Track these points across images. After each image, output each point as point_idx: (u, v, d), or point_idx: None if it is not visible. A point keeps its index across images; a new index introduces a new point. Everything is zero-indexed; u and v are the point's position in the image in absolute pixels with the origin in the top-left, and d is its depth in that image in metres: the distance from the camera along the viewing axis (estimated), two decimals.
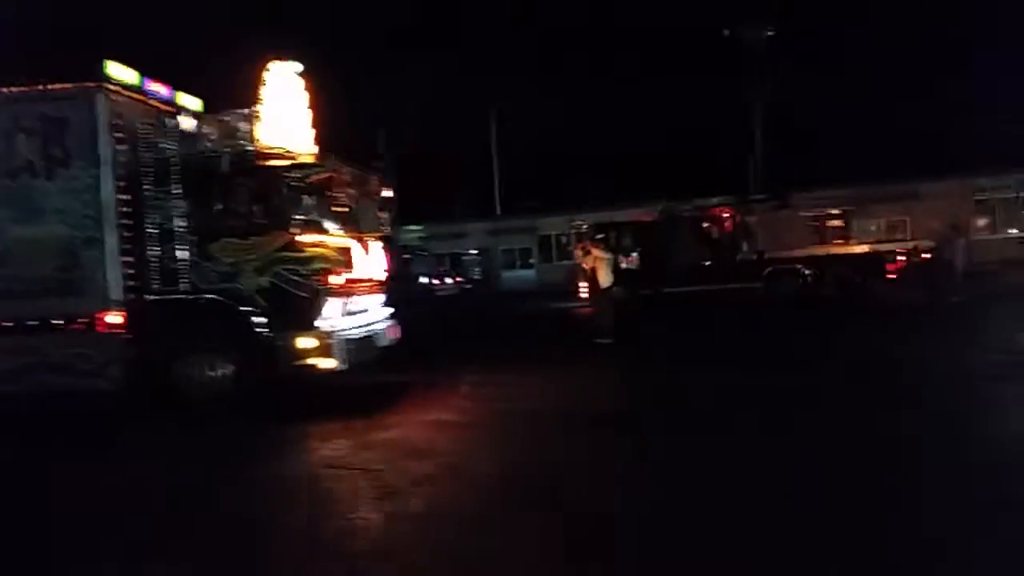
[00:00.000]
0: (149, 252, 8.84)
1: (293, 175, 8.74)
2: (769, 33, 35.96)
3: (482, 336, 17.10)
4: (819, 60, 35.83)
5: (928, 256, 21.56)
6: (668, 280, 22.08)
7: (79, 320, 8.80)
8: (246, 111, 9.04)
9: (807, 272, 21.63)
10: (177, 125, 8.83)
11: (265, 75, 9.23)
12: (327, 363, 8.66)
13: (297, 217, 8.74)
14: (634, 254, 23.47)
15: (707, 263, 22.94)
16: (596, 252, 14.69)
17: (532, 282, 38.37)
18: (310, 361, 8.68)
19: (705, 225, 24.51)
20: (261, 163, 8.81)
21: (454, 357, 12.81)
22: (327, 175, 8.98)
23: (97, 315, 8.78)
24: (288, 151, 8.96)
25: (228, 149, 8.89)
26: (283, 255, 8.68)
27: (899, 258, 22.29)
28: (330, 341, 8.67)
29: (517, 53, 36.69)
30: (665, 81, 37.84)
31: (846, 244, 30.44)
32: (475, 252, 39.53)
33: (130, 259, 8.78)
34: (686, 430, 7.46)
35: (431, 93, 36.98)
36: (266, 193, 8.82)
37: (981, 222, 28.43)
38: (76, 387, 8.85)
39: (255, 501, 5.98)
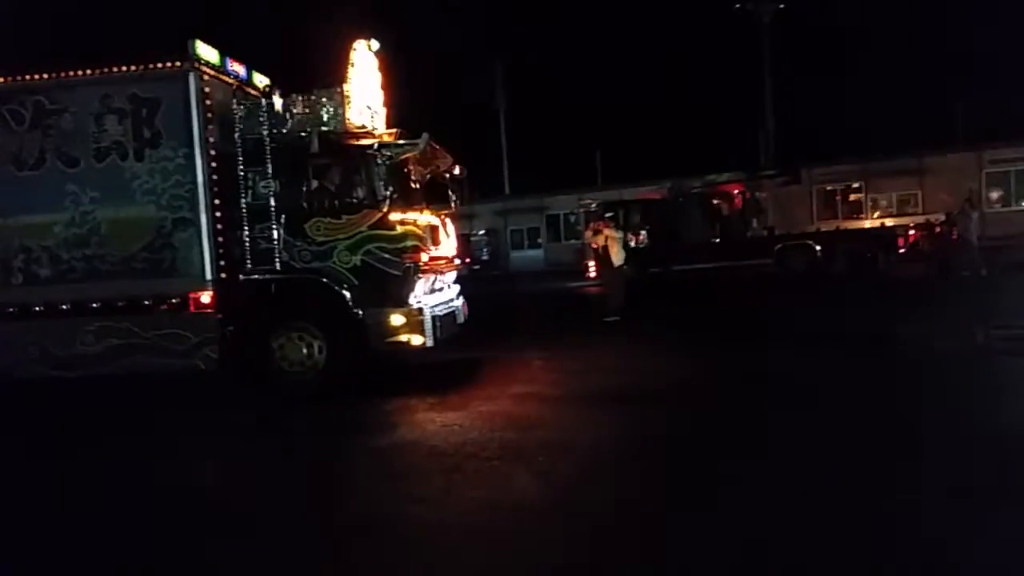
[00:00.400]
0: (242, 232, 8.88)
1: (384, 153, 8.80)
2: (780, 6, 35.98)
3: (509, 316, 17.11)
4: (829, 34, 35.96)
5: (939, 230, 21.77)
6: (678, 258, 22.18)
7: (171, 300, 8.86)
8: (331, 90, 9.07)
9: (818, 248, 21.74)
10: (267, 104, 8.84)
11: (351, 54, 9.28)
12: (418, 339, 8.79)
13: (387, 195, 8.81)
14: (643, 232, 23.66)
15: (717, 240, 23.11)
16: (607, 231, 14.76)
17: (540, 262, 38.47)
18: (402, 338, 8.80)
19: (715, 202, 24.69)
20: (352, 142, 8.87)
21: (504, 335, 12.88)
22: (414, 153, 9.01)
23: (191, 295, 8.85)
24: (374, 130, 9.03)
25: (314, 128, 8.91)
26: (375, 233, 8.77)
27: (910, 232, 22.55)
28: (421, 318, 8.80)
29: (522, 31, 36.63)
30: (676, 56, 37.90)
31: (857, 219, 30.74)
32: (483, 233, 39.57)
33: (222, 239, 8.82)
34: (721, 405, 7.66)
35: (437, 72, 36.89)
36: (357, 171, 8.90)
37: (994, 195, 28.58)
38: (169, 367, 8.94)
39: (395, 472, 6.09)
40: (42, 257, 8.93)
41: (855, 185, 32.06)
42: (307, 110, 9.03)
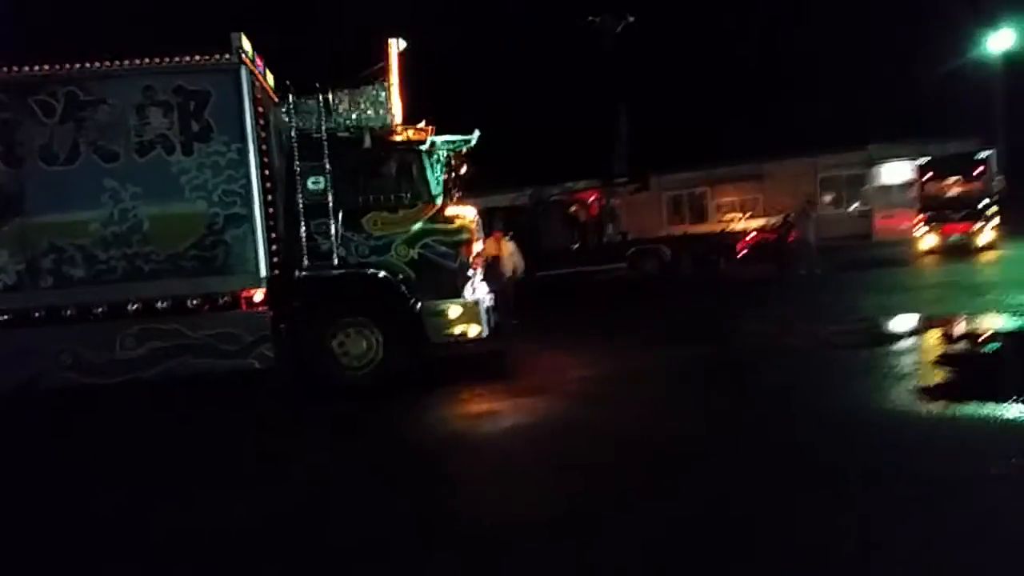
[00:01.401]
0: (297, 228, 8.84)
1: (438, 148, 9.07)
2: (630, 19, 38.05)
3: None
4: (677, 46, 38.60)
5: (776, 233, 23.93)
6: (540, 263, 23.08)
7: (222, 299, 8.66)
8: (376, 87, 9.22)
9: (667, 252, 23.16)
10: (320, 100, 8.86)
11: (388, 52, 9.46)
12: (475, 329, 9.10)
13: (441, 190, 9.09)
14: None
15: (576, 246, 24.41)
16: (503, 242, 14.12)
17: None
18: (459, 329, 9.07)
19: (572, 209, 26.02)
20: (405, 137, 9.06)
21: None
22: (462, 147, 9.32)
23: (244, 293, 8.68)
24: (423, 126, 9.27)
25: (365, 124, 9.04)
26: (431, 227, 9.01)
27: (750, 235, 24.82)
28: (477, 309, 9.13)
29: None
30: (534, 67, 39.20)
31: (703, 224, 33.23)
32: None
33: (274, 235, 8.74)
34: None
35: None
36: (412, 167, 9.08)
37: (827, 198, 31.77)
38: (219, 368, 8.69)
39: (497, 456, 6.42)
40: (76, 257, 8.44)
41: (700, 191, 34.56)
42: (353, 106, 9.10)
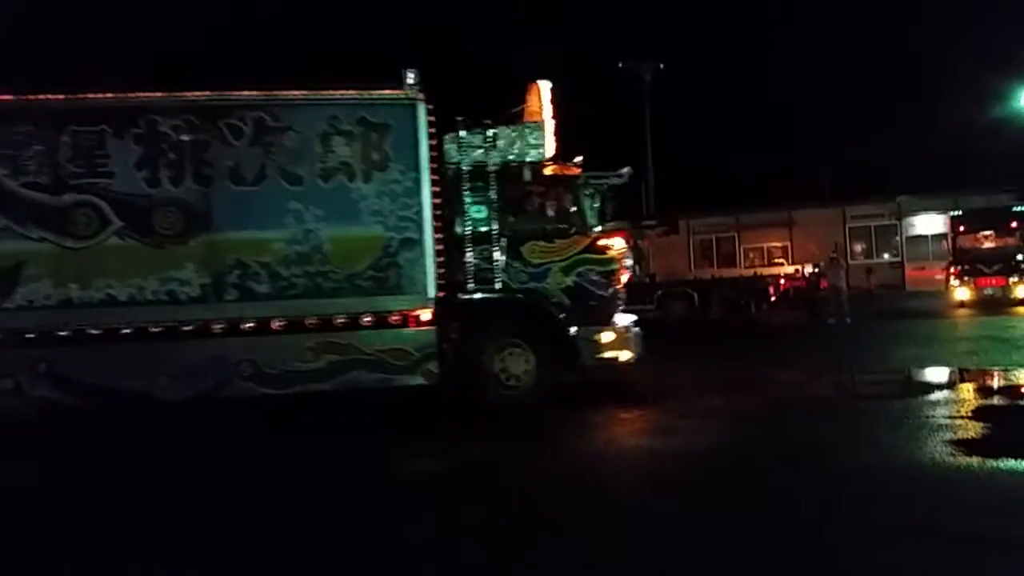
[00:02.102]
0: (462, 253, 9.36)
1: (591, 183, 9.66)
2: (661, 67, 39.01)
3: None
4: (706, 93, 39.59)
5: (807, 280, 24.45)
6: None
7: (393, 317, 9.13)
8: (534, 124, 9.82)
9: (695, 295, 23.57)
10: (487, 135, 9.44)
11: (538, 92, 10.08)
12: (626, 355, 9.62)
13: (594, 222, 9.66)
14: None
15: None
16: None
17: None
18: (610, 354, 9.58)
19: None
20: (562, 172, 9.65)
21: None
22: (615, 182, 9.89)
23: (413, 312, 9.16)
24: (577, 161, 9.85)
25: (524, 158, 9.62)
26: (586, 257, 9.56)
27: (781, 281, 25.34)
28: (628, 335, 9.65)
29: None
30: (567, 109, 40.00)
31: (731, 268, 33.86)
32: None
33: (441, 259, 9.24)
34: None
35: None
36: (568, 199, 9.66)
37: (858, 248, 32.43)
38: (388, 383, 9.14)
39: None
40: (260, 273, 8.90)
41: (728, 235, 35.26)
42: (511, 142, 9.68)
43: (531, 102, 10.46)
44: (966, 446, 6.90)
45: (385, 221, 9.08)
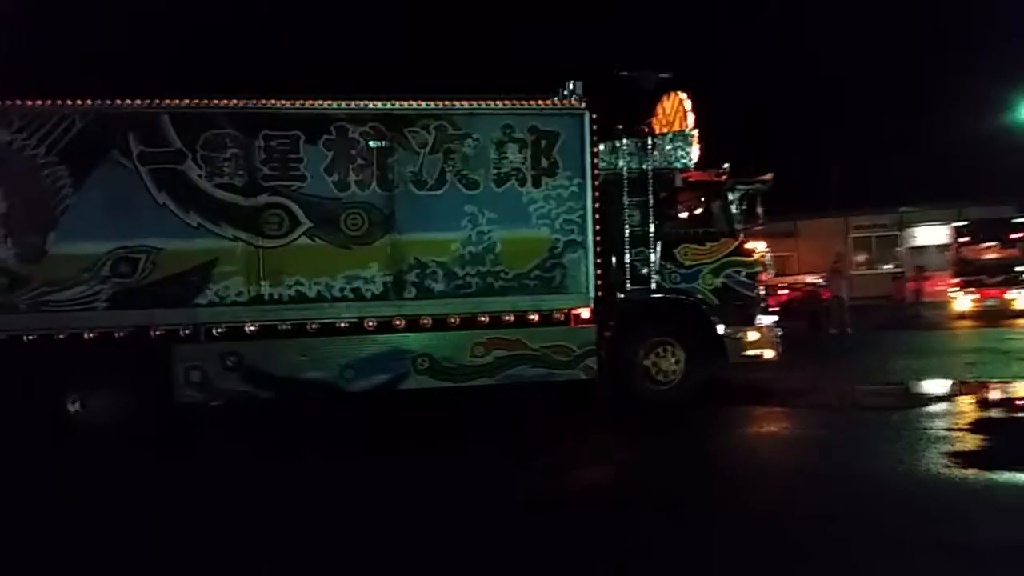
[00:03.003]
0: (621, 255, 9.92)
1: (738, 189, 10.22)
2: (663, 76, 39.45)
3: None
4: (711, 101, 40.00)
5: (809, 290, 23.65)
6: None
7: (556, 315, 9.68)
8: (682, 132, 10.37)
9: None
10: (646, 142, 9.99)
11: (680, 103, 10.64)
12: (770, 353, 10.22)
13: (741, 226, 10.23)
14: None
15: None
16: None
17: None
18: (755, 352, 10.17)
19: None
20: (711, 179, 10.21)
21: None
22: (759, 188, 10.45)
23: (575, 311, 9.71)
24: (724, 168, 10.40)
25: (674, 165, 10.18)
26: (734, 259, 10.13)
27: (780, 292, 25.37)
28: (771, 335, 10.24)
29: None
30: None
31: None
32: None
33: (600, 260, 9.78)
34: None
35: None
36: (717, 204, 10.23)
37: (860, 258, 32.50)
38: (552, 377, 9.69)
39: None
40: (437, 272, 9.41)
41: None
42: (665, 149, 10.23)
43: (665, 110, 11.01)
44: (964, 458, 7.03)
45: (552, 224, 9.61)
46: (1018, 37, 30.66)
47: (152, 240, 8.85)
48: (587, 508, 6.13)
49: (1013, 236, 22.28)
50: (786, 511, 5.85)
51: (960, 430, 8.17)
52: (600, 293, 9.79)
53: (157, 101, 8.92)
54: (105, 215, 8.77)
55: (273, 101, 9.15)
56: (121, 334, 8.80)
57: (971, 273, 21.79)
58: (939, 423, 8.57)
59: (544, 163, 9.60)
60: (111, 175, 8.78)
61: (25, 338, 8.64)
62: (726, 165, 10.39)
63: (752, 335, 10.11)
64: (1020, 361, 12.81)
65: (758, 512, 5.84)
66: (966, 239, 23.03)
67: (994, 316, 20.23)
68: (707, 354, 10.11)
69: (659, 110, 11.32)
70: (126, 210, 8.81)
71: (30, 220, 8.66)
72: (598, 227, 9.74)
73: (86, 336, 8.73)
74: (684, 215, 10.27)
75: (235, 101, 9.07)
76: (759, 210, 10.23)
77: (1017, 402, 10.18)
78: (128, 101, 8.88)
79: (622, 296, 9.96)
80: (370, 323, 9.31)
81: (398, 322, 9.36)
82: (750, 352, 10.14)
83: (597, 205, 9.74)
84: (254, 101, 9.12)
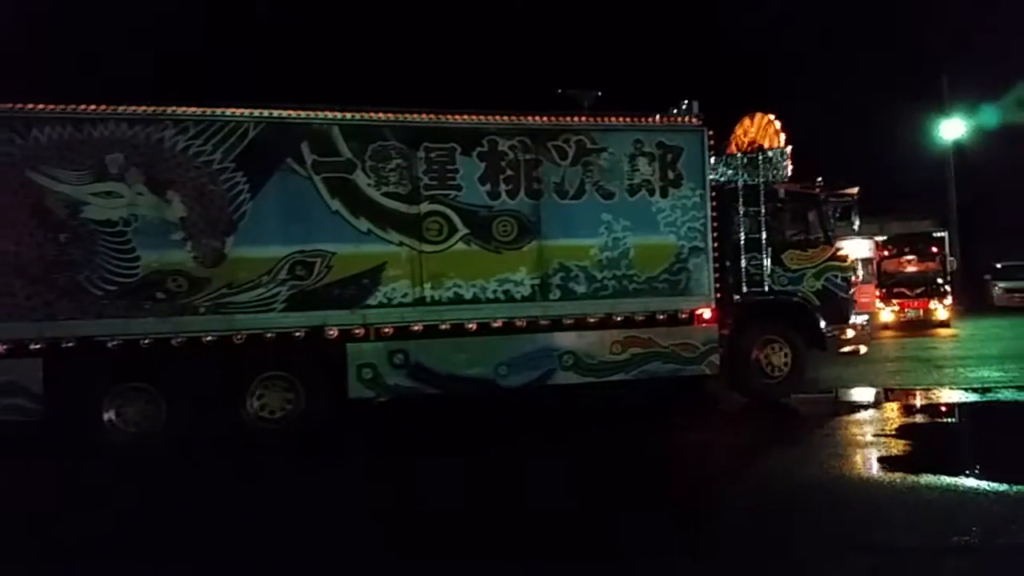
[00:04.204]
0: (737, 260, 10.87)
1: (831, 201, 11.34)
2: (597, 94, 40.82)
3: None
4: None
5: None
6: None
7: (682, 315, 10.53)
8: (779, 150, 11.41)
9: None
10: (761, 157, 11.00)
11: (772, 124, 11.72)
12: (863, 348, 11.32)
13: (835, 234, 11.34)
14: None
15: None
16: None
17: None
18: (850, 348, 11.25)
19: None
20: (810, 191, 11.29)
21: None
22: (847, 201, 11.57)
23: (697, 311, 10.57)
24: (819, 180, 11.50)
25: (777, 179, 11.21)
26: (832, 264, 11.20)
27: None
28: (864, 332, 11.33)
29: None
30: None
31: None
32: None
33: (717, 265, 10.70)
34: None
35: None
36: (814, 214, 11.31)
37: None
38: (679, 372, 10.51)
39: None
40: (579, 275, 10.15)
41: None
42: (769, 163, 11.26)
43: (747, 129, 12.05)
44: (890, 463, 7.55)
45: (678, 231, 10.47)
46: (937, 58, 32.69)
47: (326, 245, 9.31)
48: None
49: (932, 249, 23.80)
50: (725, 510, 6.27)
51: (886, 435, 8.79)
52: (719, 295, 10.65)
53: (329, 113, 9.43)
54: (282, 220, 9.21)
55: (433, 116, 9.76)
56: (299, 334, 9.19)
57: (893, 285, 22.87)
58: (867, 429, 9.20)
59: (670, 175, 10.46)
60: (287, 182, 9.24)
61: (204, 339, 8.94)
62: (820, 179, 11.46)
63: (849, 332, 11.18)
64: (940, 369, 13.52)
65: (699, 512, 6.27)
66: (888, 253, 24.16)
67: (916, 327, 21.26)
68: (810, 349, 11.07)
69: (739, 129, 12.33)
70: (302, 216, 9.27)
71: (209, 224, 9.02)
72: (716, 234, 10.64)
73: (266, 336, 9.09)
74: (789, 224, 11.27)
75: (399, 115, 9.64)
76: (855, 220, 11.29)
77: (939, 408, 10.87)
78: (301, 112, 9.36)
79: (738, 297, 10.85)
80: (520, 323, 9.93)
81: (544, 322, 10.01)
82: (847, 348, 11.16)
83: (715, 214, 10.64)
84: (416, 115, 9.71)
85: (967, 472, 7.07)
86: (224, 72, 22.66)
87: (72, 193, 8.67)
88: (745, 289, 10.87)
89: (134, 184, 8.81)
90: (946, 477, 6.78)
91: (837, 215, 11.40)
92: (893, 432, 8.96)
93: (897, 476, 6.99)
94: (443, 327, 9.70)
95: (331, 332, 9.29)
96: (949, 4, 34.68)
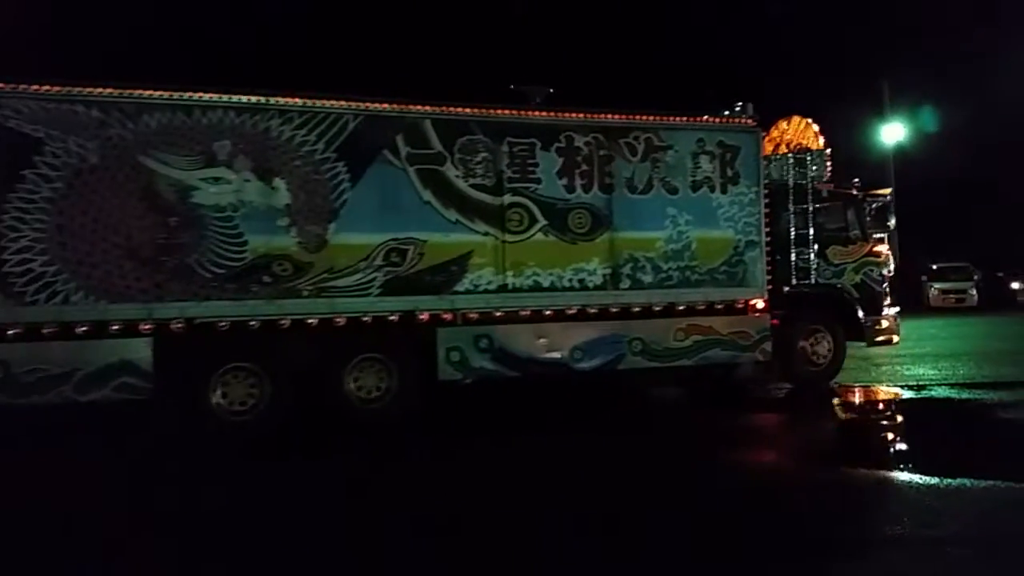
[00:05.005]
0: (787, 253, 11.61)
1: (868, 200, 12.17)
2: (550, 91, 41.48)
3: None
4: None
5: None
6: None
7: (738, 305, 11.22)
8: (819, 152, 12.21)
9: None
10: (799, 157, 11.76)
11: (810, 128, 12.51)
12: (896, 338, 12.17)
13: (871, 231, 12.17)
14: None
15: None
16: None
17: None
18: (884, 337, 12.10)
19: None
20: (849, 192, 12.10)
21: None
22: (881, 201, 12.41)
23: (751, 301, 11.26)
24: (856, 181, 12.32)
25: (818, 180, 12.00)
26: (868, 259, 12.04)
27: None
28: (896, 323, 12.19)
29: None
30: None
31: None
32: None
33: (770, 258, 11.42)
34: None
35: None
36: (853, 212, 12.12)
37: None
38: (735, 359, 11.22)
39: None
40: (646, 266, 10.75)
41: None
42: (814, 164, 12.04)
43: (783, 130, 12.82)
44: (830, 457, 8.01)
45: (735, 226, 11.14)
46: (879, 60, 34.09)
47: (418, 233, 9.72)
48: None
49: None
50: (684, 506, 6.18)
51: (822, 431, 9.55)
52: (770, 287, 11.35)
53: (422, 108, 9.84)
54: (378, 209, 9.59)
55: (515, 111, 10.25)
56: (393, 318, 9.58)
57: None
58: (806, 425, 9.90)
59: (729, 172, 11.13)
60: (383, 173, 9.62)
61: (308, 321, 9.28)
62: (857, 180, 12.28)
63: (885, 323, 12.01)
64: (877, 367, 13.81)
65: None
66: None
67: None
68: (847, 338, 11.88)
69: (774, 131, 13.06)
70: (396, 205, 9.66)
71: (312, 212, 9.35)
72: (768, 229, 11.34)
73: (363, 320, 9.47)
74: (832, 221, 12.05)
75: (485, 110, 10.10)
76: (891, 220, 12.13)
77: (875, 404, 11.20)
78: (397, 106, 9.76)
79: (787, 289, 11.58)
80: (592, 310, 10.48)
81: (615, 309, 10.58)
82: (881, 337, 12.00)
83: (767, 211, 11.35)
84: (501, 111, 10.18)
85: (900, 466, 7.59)
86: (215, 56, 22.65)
87: (182, 178, 8.90)
88: (794, 281, 11.57)
89: (241, 171, 9.08)
90: (880, 471, 7.16)
91: (872, 214, 12.16)
92: (831, 428, 9.69)
93: (833, 470, 7.31)
94: (523, 313, 10.17)
95: (422, 316, 9.69)
96: (890, 9, 36.08)
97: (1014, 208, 35.03)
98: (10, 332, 8.37)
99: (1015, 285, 31.72)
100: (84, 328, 8.55)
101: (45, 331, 8.45)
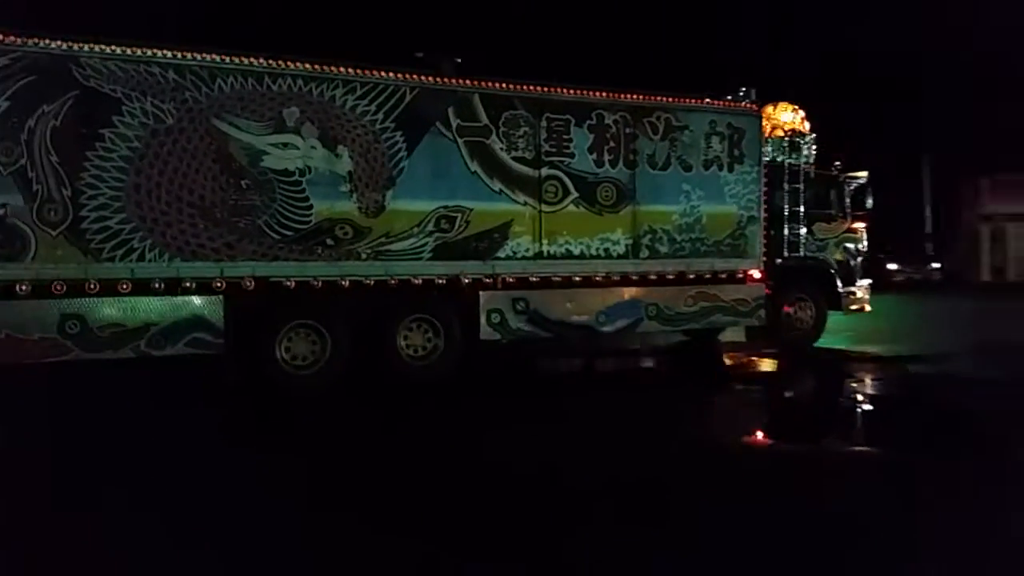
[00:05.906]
0: (781, 228, 12.75)
1: (849, 181, 13.44)
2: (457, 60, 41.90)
3: None
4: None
5: None
6: None
7: (739, 275, 12.32)
8: (807, 135, 13.37)
9: None
10: (792, 140, 12.87)
11: (793, 110, 13.64)
12: (868, 307, 13.56)
13: (850, 209, 13.47)
14: None
15: None
16: None
17: None
18: (858, 306, 13.47)
19: None
20: (830, 173, 13.33)
21: None
22: (860, 182, 13.69)
23: (749, 271, 12.39)
24: (837, 164, 13.56)
25: (806, 161, 13.17)
26: (847, 235, 13.34)
27: None
28: (867, 294, 13.58)
29: None
30: None
31: None
32: None
33: (766, 232, 12.54)
34: None
35: None
36: (835, 191, 13.37)
37: None
38: (736, 323, 12.38)
39: None
40: (663, 237, 11.69)
41: None
42: (803, 146, 13.18)
43: (769, 114, 13.88)
44: (753, 432, 8.57)
45: (739, 202, 12.18)
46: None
47: (466, 202, 10.33)
48: None
49: None
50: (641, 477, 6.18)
51: (755, 404, 10.11)
52: (765, 258, 12.48)
53: (471, 83, 10.40)
54: (431, 178, 10.15)
55: (551, 88, 10.92)
56: (441, 281, 10.23)
57: None
58: (744, 397, 10.46)
59: (735, 152, 12.12)
60: (435, 143, 10.16)
61: (366, 282, 9.84)
62: (837, 163, 13.49)
63: (859, 293, 13.35)
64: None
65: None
66: None
67: None
68: (827, 307, 13.18)
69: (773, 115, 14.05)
70: (447, 175, 10.23)
71: (372, 179, 9.85)
72: (766, 206, 12.44)
73: (414, 282, 10.08)
74: (817, 199, 13.22)
75: (527, 87, 10.74)
76: (869, 200, 13.42)
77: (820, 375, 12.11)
78: (449, 80, 10.30)
79: (779, 261, 12.73)
80: (615, 277, 11.36)
81: (635, 277, 11.49)
82: (855, 306, 13.35)
83: (765, 189, 12.43)
84: (539, 88, 10.83)
85: (826, 438, 8.19)
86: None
87: (253, 142, 9.24)
88: (786, 254, 12.73)
89: (308, 138, 9.48)
90: (805, 444, 7.76)
91: (852, 194, 13.43)
92: (765, 403, 10.25)
93: (756, 442, 7.92)
94: (555, 279, 10.94)
95: (467, 280, 10.35)
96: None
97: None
98: (87, 287, 8.60)
99: (891, 266, 34.00)
100: (158, 285, 8.85)
101: (121, 287, 8.71)
